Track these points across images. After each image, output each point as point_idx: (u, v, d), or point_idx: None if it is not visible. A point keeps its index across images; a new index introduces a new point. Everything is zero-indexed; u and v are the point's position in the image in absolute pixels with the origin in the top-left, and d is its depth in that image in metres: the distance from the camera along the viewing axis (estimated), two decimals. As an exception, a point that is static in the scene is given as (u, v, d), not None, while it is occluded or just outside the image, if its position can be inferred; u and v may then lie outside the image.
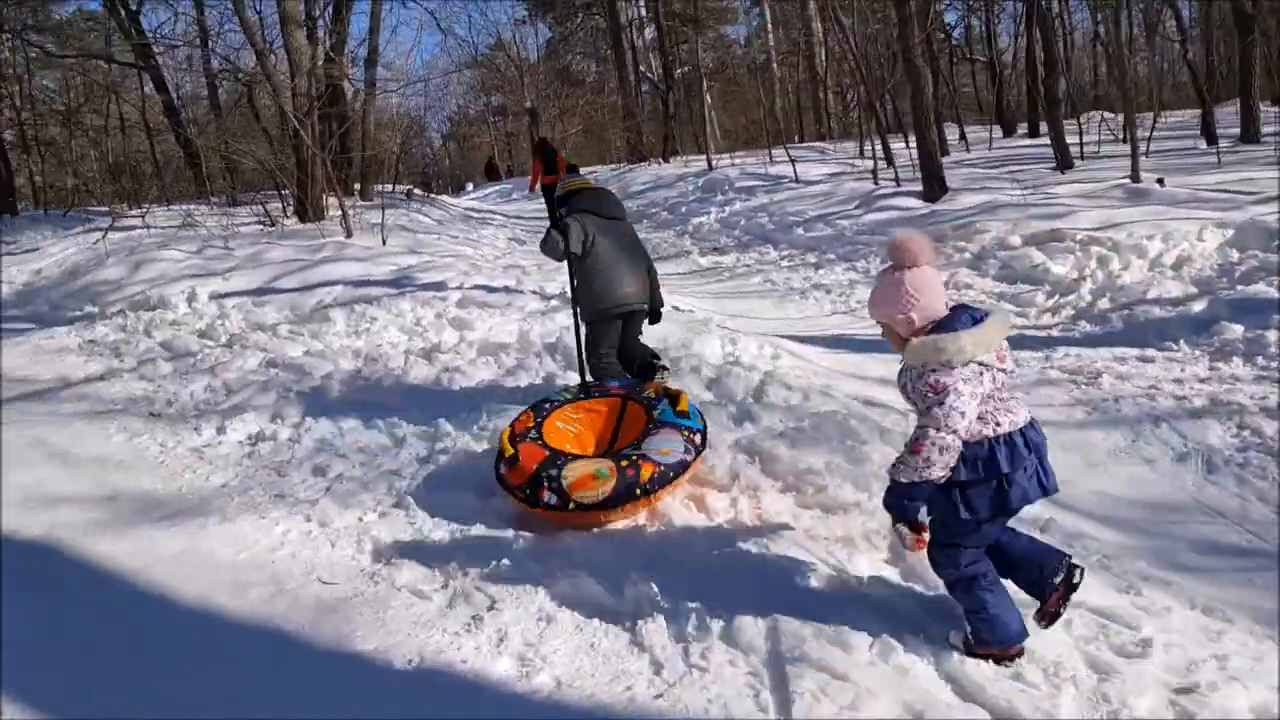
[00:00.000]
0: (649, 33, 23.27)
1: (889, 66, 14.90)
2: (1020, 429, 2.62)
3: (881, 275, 2.75)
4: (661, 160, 19.14)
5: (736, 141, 27.05)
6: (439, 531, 4.09)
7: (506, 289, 8.04)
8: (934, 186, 10.36)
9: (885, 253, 2.83)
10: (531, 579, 3.57)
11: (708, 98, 22.74)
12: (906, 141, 13.55)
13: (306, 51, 12.29)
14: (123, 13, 18.30)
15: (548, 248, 4.90)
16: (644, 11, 22.29)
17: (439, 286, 8.08)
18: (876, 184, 12.22)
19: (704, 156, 18.83)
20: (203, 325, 8.09)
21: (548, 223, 9.64)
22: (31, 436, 5.72)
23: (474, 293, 7.78)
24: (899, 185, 11.47)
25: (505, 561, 3.70)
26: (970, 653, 2.77)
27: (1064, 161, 11.53)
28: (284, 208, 12.72)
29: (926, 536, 2.76)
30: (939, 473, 2.56)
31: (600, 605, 3.37)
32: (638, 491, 3.70)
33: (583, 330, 4.88)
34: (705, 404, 4.99)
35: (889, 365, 5.75)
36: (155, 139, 18.88)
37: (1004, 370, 2.62)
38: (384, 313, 7.52)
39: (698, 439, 3.96)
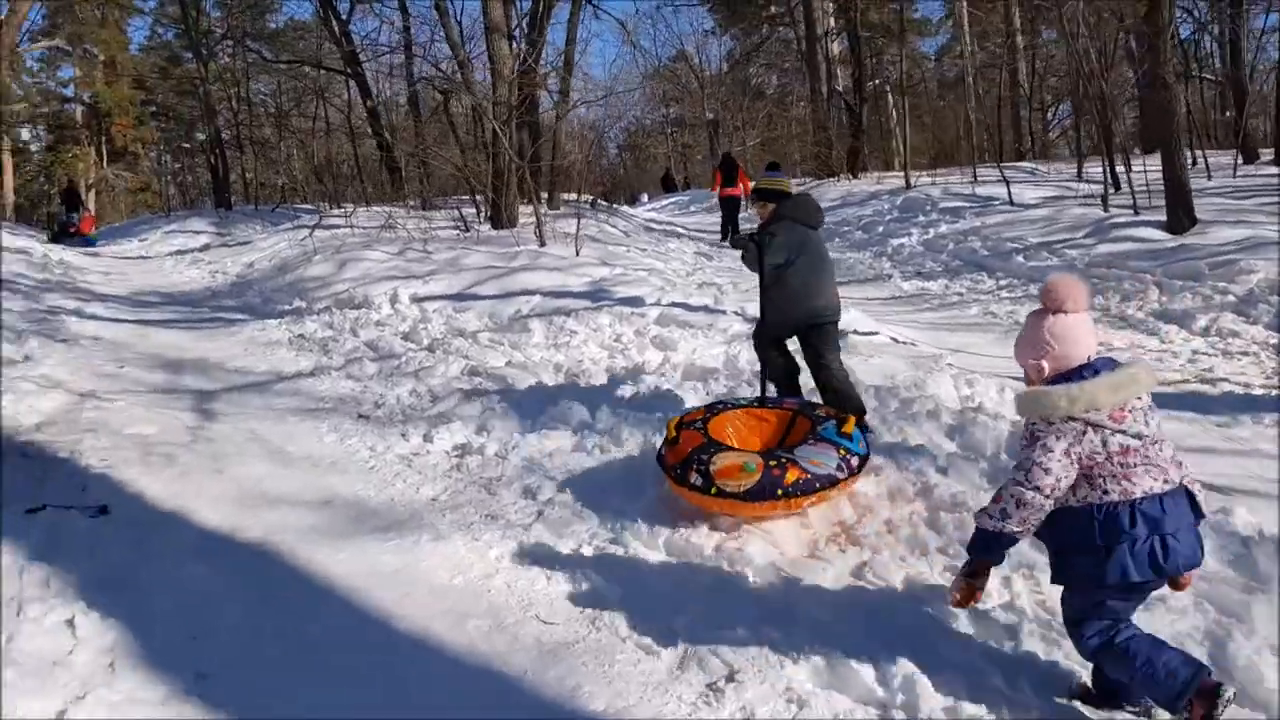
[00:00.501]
0: (837, 44, 22.57)
1: (1108, 81, 13.66)
2: (1134, 500, 2.46)
3: (1029, 317, 2.71)
4: (851, 176, 18.41)
5: (925, 159, 25.90)
6: (662, 578, 3.76)
7: (706, 308, 7.70)
8: (1180, 217, 9.25)
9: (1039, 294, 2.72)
10: (774, 647, 3.17)
11: (895, 112, 21.76)
12: (1128, 164, 12.34)
13: (509, 60, 12.43)
14: (334, 21, 19.39)
15: (748, 259, 4.83)
16: (833, 22, 21.58)
17: (636, 302, 7.84)
18: (1107, 210, 11.13)
19: (897, 173, 18.00)
20: (405, 327, 8.17)
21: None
22: (248, 430, 5.81)
23: (673, 310, 7.49)
24: (1136, 213, 10.38)
25: (741, 624, 3.31)
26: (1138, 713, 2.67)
27: (1335, 194, 10.04)
28: (479, 213, 12.92)
29: (979, 594, 2.74)
30: (1015, 527, 2.53)
31: (862, 691, 2.92)
32: (779, 491, 3.74)
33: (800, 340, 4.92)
34: (950, 456, 4.44)
35: (1193, 428, 5.00)
36: (357, 142, 19.83)
37: (1122, 431, 2.47)
38: (582, 326, 7.33)
39: (854, 461, 3.94)
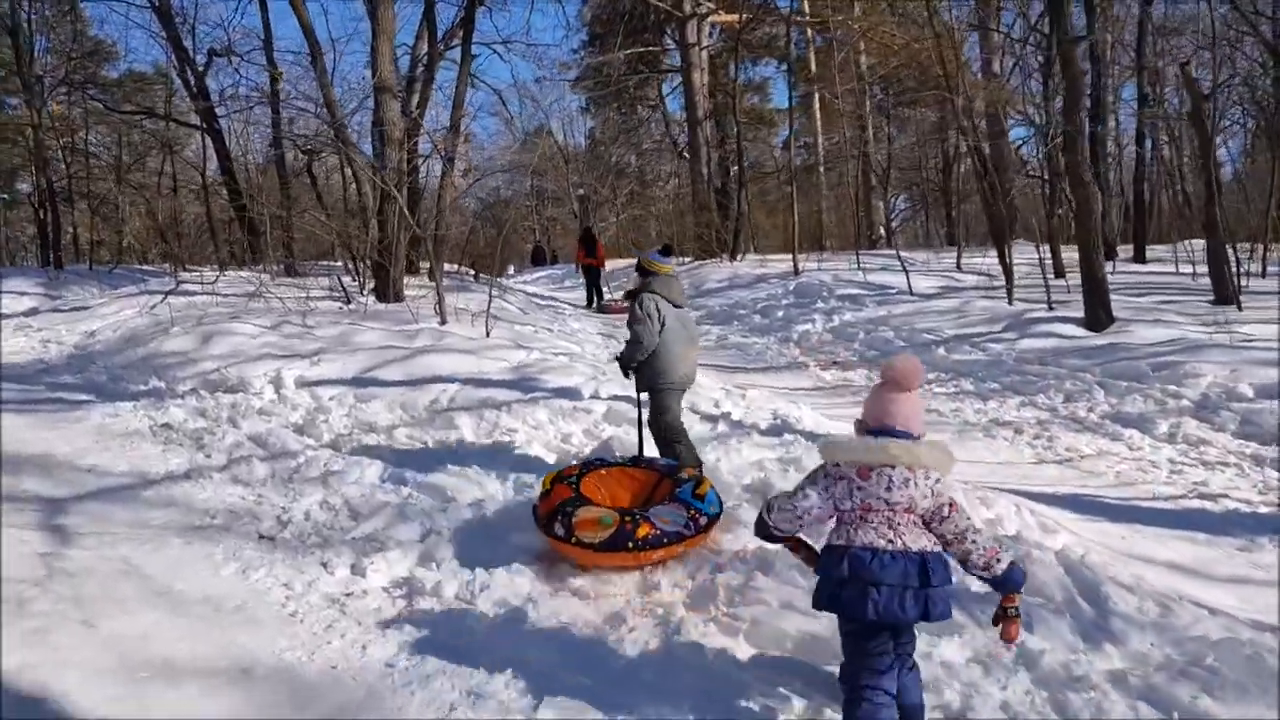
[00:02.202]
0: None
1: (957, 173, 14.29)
2: (850, 546, 2.86)
3: (874, 387, 3.11)
4: (730, 258, 18.40)
5: (775, 244, 26.50)
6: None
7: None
8: (1099, 314, 9.41)
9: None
10: None
11: (747, 200, 22.11)
12: (1003, 257, 12.78)
13: (399, 122, 11.59)
14: (188, 72, 17.86)
15: (644, 340, 5.28)
16: (709, 107, 21.84)
17: (572, 394, 7.08)
18: (1011, 303, 11.33)
19: (778, 256, 18.19)
20: (298, 418, 7.07)
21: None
22: (120, 559, 4.62)
23: (618, 405, 6.77)
24: (1050, 308, 10.57)
25: None
26: None
27: (1224, 295, 10.51)
28: (360, 284, 11.83)
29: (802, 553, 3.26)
30: (773, 521, 3.08)
31: None
32: (630, 544, 4.18)
33: (644, 400, 5.47)
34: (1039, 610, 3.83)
35: (1216, 553, 4.69)
36: (210, 201, 18.18)
37: (866, 488, 2.87)
38: (519, 423, 6.50)
39: (702, 520, 4.41)
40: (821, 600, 2.95)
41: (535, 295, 17.47)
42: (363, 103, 13.46)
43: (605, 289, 16.64)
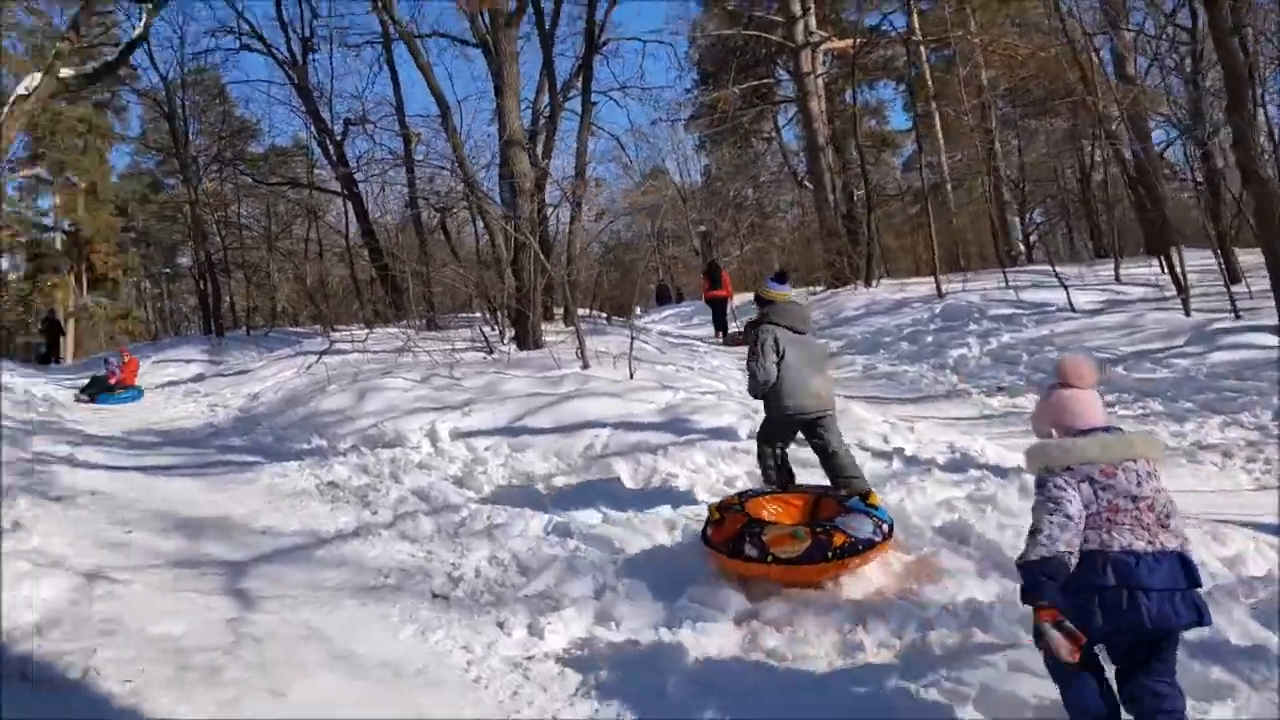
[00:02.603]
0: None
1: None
2: (1109, 551, 2.64)
3: (1044, 390, 3.07)
4: (865, 284, 17.84)
5: (901, 269, 25.65)
6: None
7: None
8: (1295, 321, 8.50)
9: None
10: None
11: (870, 225, 21.33)
12: (1171, 266, 11.79)
13: (530, 174, 11.74)
14: (328, 142, 18.81)
15: (760, 377, 5.20)
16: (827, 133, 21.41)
17: (728, 434, 6.83)
18: (1189, 314, 10.43)
19: (918, 279, 17.53)
20: (456, 470, 7.09)
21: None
22: (300, 624, 4.63)
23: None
24: (1237, 317, 9.66)
25: None
26: None
27: None
28: (500, 333, 11.99)
29: (1078, 639, 2.58)
30: (1063, 547, 2.63)
31: None
32: (829, 554, 4.21)
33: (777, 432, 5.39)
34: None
35: None
36: (354, 262, 19.01)
37: (1111, 487, 2.68)
38: (678, 467, 6.30)
39: (885, 527, 4.44)
40: (1082, 614, 2.63)
41: (667, 334, 17.37)
42: (493, 159, 13.75)
43: (732, 321, 16.52)
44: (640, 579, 4.67)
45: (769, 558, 4.24)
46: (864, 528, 4.33)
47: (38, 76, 13.25)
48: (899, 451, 6.42)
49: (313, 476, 7.69)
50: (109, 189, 32.10)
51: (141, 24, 14.71)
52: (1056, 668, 2.74)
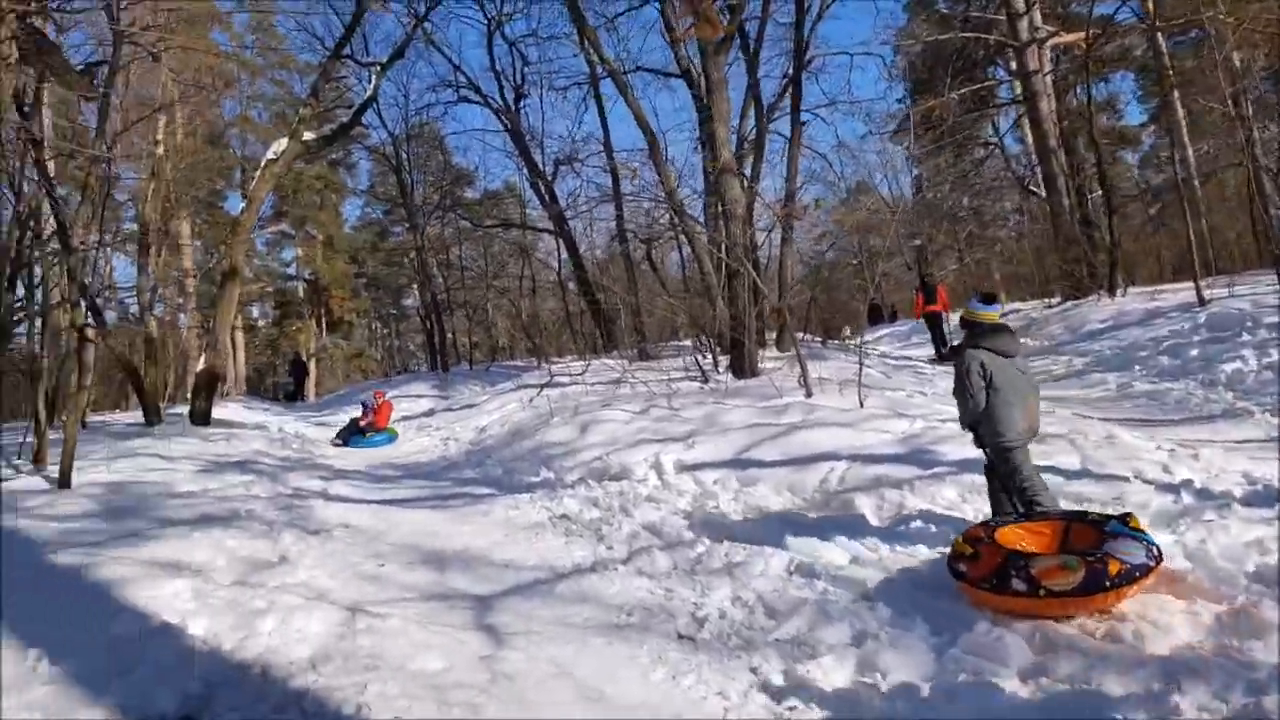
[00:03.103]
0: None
1: None
2: None
3: None
4: (1108, 294, 16.30)
5: (1143, 275, 23.37)
6: None
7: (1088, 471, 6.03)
8: None
9: None
10: None
11: (1112, 229, 19.45)
12: None
13: (741, 200, 11.59)
14: (539, 182, 19.60)
15: (968, 404, 5.11)
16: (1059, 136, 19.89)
17: (979, 467, 6.27)
18: None
19: (1160, 288, 15.82)
20: (685, 504, 6.96)
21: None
22: (549, 661, 4.61)
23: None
24: None
25: None
26: None
27: None
28: (714, 362, 11.86)
29: None
30: None
31: None
32: (1106, 584, 3.92)
33: (995, 461, 5.21)
34: None
35: None
36: (566, 297, 19.66)
37: None
38: (926, 502, 5.85)
39: (1155, 550, 4.15)
40: None
41: (886, 355, 16.63)
42: (700, 188, 13.72)
43: (951, 337, 15.59)
44: (902, 626, 4.29)
45: (1040, 590, 4.00)
46: (1138, 552, 4.07)
47: (284, 141, 14.71)
48: (1186, 484, 5.63)
49: (544, 509, 7.83)
50: (343, 240, 35.25)
51: (372, 85, 16.01)
52: None
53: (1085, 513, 4.72)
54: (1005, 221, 31.82)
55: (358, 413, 14.10)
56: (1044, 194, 24.43)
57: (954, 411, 8.76)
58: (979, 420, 5.09)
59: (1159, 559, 4.12)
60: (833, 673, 4.06)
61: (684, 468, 7.76)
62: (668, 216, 15.36)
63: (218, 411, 14.55)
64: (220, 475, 9.65)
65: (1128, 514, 4.48)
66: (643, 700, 4.10)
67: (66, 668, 4.35)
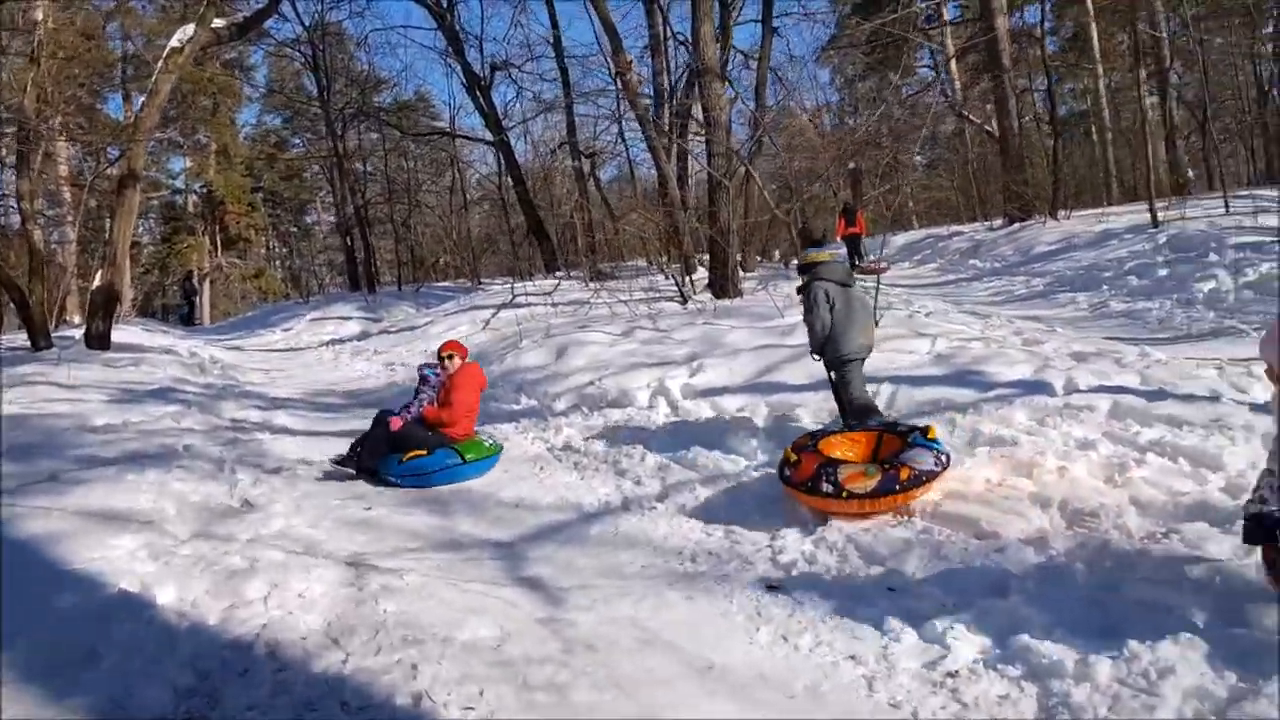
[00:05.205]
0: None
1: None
2: None
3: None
4: (1051, 217, 16.17)
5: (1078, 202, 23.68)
6: None
7: (1163, 391, 5.54)
8: None
9: None
10: None
11: (1057, 151, 19.34)
12: None
13: (726, 105, 10.66)
14: (476, 89, 18.03)
15: (818, 325, 5.59)
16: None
17: (1043, 388, 5.73)
18: None
19: (1107, 210, 15.80)
20: (712, 437, 6.20)
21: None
22: (627, 620, 3.86)
23: (1126, 399, 5.34)
24: None
25: None
26: None
27: None
28: (681, 283, 11.04)
29: None
30: (1273, 508, 2.95)
31: None
32: (896, 487, 4.55)
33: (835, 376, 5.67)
34: None
35: None
36: (506, 212, 18.38)
37: None
38: (1004, 427, 5.27)
39: (944, 458, 4.72)
40: None
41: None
42: (673, 91, 12.67)
43: (865, 253, 16.48)
44: (1046, 572, 3.70)
45: (844, 493, 4.58)
46: (927, 460, 4.62)
47: (190, 28, 12.89)
48: (1248, 402, 5.20)
49: (539, 440, 7.00)
50: (240, 149, 32.45)
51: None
52: None
53: (896, 424, 5.29)
54: (934, 147, 31.71)
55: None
56: (977, 120, 24.35)
57: (972, 331, 8.31)
58: (825, 340, 5.57)
59: (945, 465, 4.67)
60: (977, 628, 3.42)
61: (695, 393, 7.02)
62: (615, 128, 14.33)
63: (115, 335, 12.92)
64: (140, 406, 8.40)
65: (927, 426, 5.03)
66: (764, 670, 3.38)
67: (10, 658, 3.34)
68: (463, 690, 3.26)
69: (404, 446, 6.14)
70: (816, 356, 5.77)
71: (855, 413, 5.53)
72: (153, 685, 3.28)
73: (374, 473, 6.13)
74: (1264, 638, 3.03)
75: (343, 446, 6.51)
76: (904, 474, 4.58)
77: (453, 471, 6.02)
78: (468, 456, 6.08)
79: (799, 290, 5.83)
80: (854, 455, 5.07)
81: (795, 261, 6.10)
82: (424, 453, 6.07)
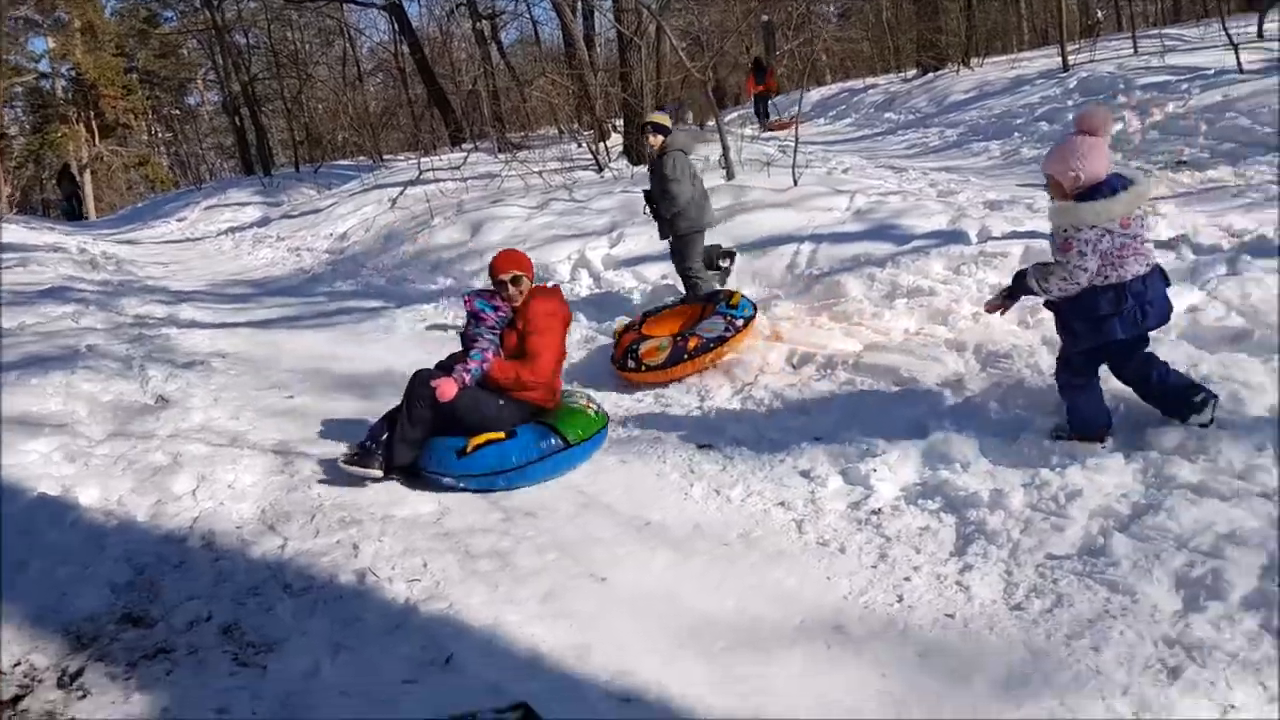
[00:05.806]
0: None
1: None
2: (1125, 282, 3.21)
3: (1064, 137, 3.35)
4: (964, 66, 16.15)
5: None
6: None
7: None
8: None
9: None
10: None
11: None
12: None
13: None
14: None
15: (681, 196, 5.44)
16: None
17: (958, 237, 5.85)
18: None
19: (1018, 57, 15.84)
20: (638, 303, 6.22)
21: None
22: (565, 486, 3.91)
23: (1035, 242, 5.50)
24: None
25: None
26: (1061, 437, 3.52)
27: None
28: (607, 150, 10.77)
29: (1003, 310, 3.69)
30: (1049, 297, 3.36)
31: None
32: (685, 356, 4.94)
33: (679, 248, 5.64)
34: None
35: None
36: (400, 84, 17.46)
37: (1125, 233, 3.19)
38: (921, 278, 5.38)
39: (739, 322, 5.06)
40: (1107, 331, 3.26)
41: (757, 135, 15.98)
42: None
43: (774, 112, 16.95)
44: (962, 412, 3.88)
45: (642, 366, 4.97)
46: (716, 328, 5.00)
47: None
48: (1183, 239, 5.41)
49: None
50: (108, 26, 29.79)
51: None
52: (1069, 383, 3.46)
53: (718, 294, 5.43)
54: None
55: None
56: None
57: (889, 186, 8.37)
58: (680, 210, 5.43)
59: (740, 328, 5.00)
60: (900, 468, 3.59)
61: (617, 264, 6.97)
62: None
63: (-4, 234, 12.06)
64: (33, 307, 7.94)
65: (732, 292, 5.35)
66: (699, 522, 3.51)
67: (-70, 570, 3.24)
68: (406, 563, 3.30)
69: (465, 426, 4.00)
70: (664, 232, 5.60)
71: (690, 287, 5.59)
72: (87, 585, 3.23)
73: (416, 470, 4.04)
74: (1162, 457, 3.26)
75: (260, 334, 6.32)
76: (692, 343, 4.94)
77: (553, 461, 3.96)
78: (570, 436, 4.00)
79: (656, 157, 5.52)
80: (676, 327, 5.30)
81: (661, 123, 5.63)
82: (500, 436, 3.93)
